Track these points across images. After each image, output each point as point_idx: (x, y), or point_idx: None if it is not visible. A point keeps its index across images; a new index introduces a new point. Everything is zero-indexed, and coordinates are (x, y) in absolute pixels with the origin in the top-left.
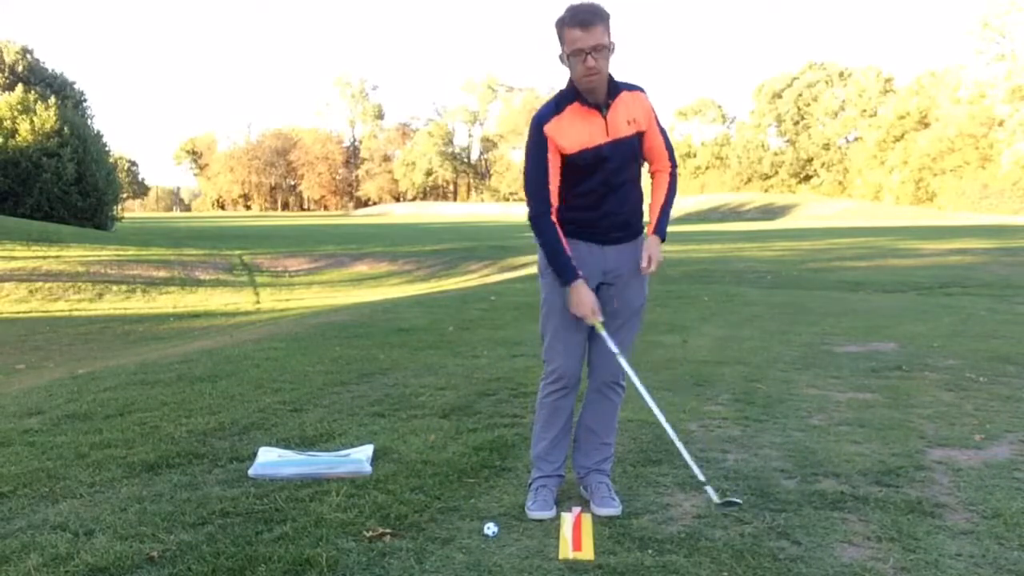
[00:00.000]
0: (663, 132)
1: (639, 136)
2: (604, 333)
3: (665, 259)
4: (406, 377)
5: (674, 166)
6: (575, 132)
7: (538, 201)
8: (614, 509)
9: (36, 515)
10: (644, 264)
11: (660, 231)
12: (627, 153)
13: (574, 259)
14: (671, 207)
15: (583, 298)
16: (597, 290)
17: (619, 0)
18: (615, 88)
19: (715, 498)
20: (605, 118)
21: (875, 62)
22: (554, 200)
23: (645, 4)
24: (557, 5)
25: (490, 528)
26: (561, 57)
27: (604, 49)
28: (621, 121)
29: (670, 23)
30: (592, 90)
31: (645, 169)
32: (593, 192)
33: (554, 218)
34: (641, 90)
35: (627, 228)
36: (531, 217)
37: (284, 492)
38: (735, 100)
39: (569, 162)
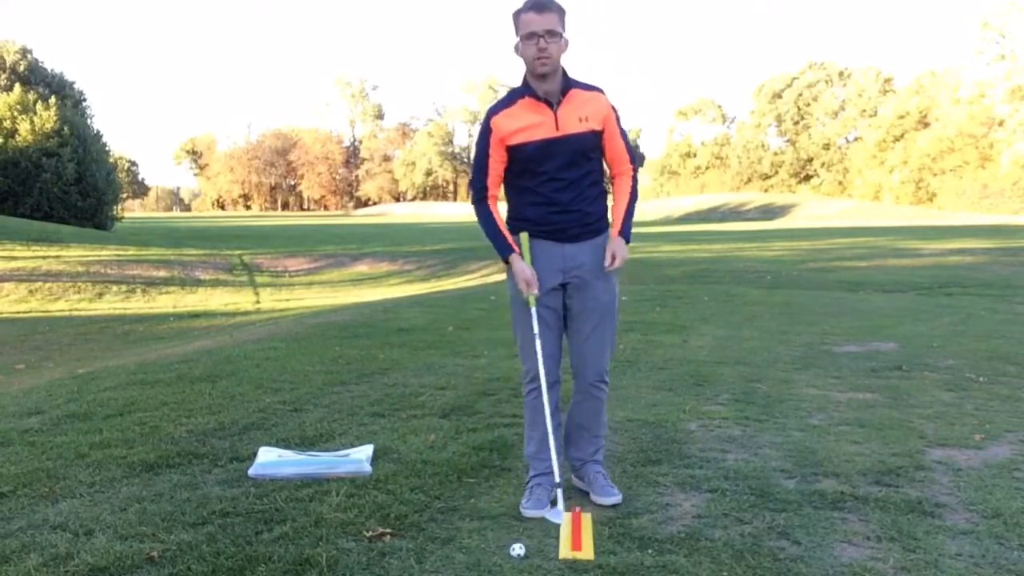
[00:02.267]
0: (623, 134)
1: (593, 135)
2: (534, 310)
3: (659, 258)
4: (406, 377)
5: (635, 168)
6: (521, 124)
7: (476, 188)
8: (615, 497)
9: (36, 515)
10: (608, 262)
11: (624, 233)
12: (576, 149)
13: (535, 263)
14: (634, 208)
15: (517, 269)
16: (564, 288)
17: (620, 0)
18: (568, 84)
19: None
20: (555, 113)
21: (875, 62)
22: (492, 188)
23: (646, 4)
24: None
25: (516, 549)
26: (516, 47)
27: (557, 36)
28: (572, 118)
29: (670, 23)
30: (543, 77)
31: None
32: (544, 185)
33: (491, 204)
34: (599, 91)
35: (585, 226)
36: (472, 200)
37: (284, 492)
38: (735, 100)
39: (515, 155)
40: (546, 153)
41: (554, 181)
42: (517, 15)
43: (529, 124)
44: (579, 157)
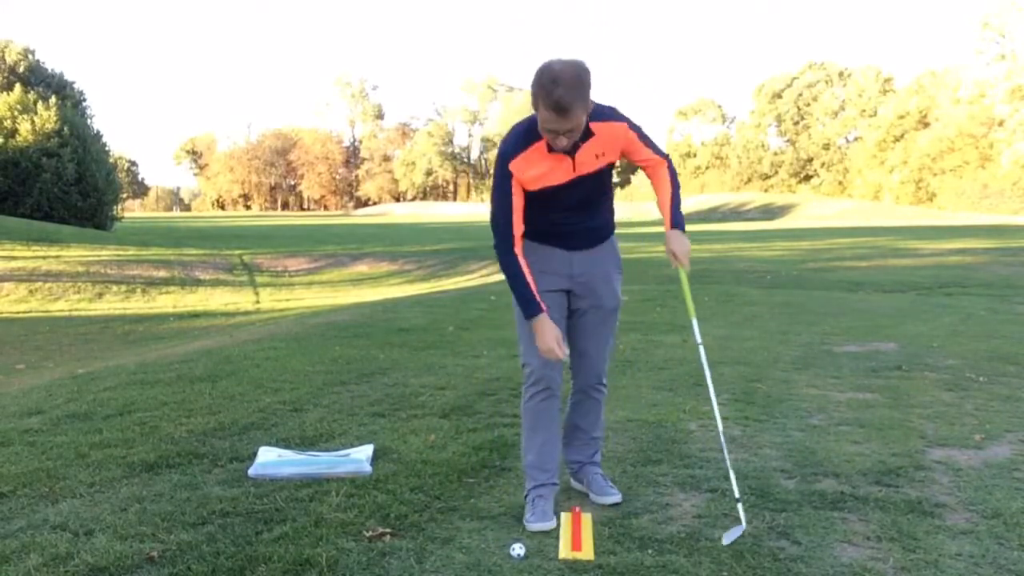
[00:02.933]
0: (647, 141)
1: (609, 167)
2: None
3: (659, 259)
4: (406, 377)
5: (667, 157)
6: (538, 171)
7: (501, 235)
8: (615, 497)
9: (36, 515)
10: (674, 263)
11: (678, 223)
12: (594, 184)
13: (541, 264)
14: (679, 195)
15: (546, 333)
16: (568, 293)
17: (620, 0)
18: (586, 132)
19: (742, 523)
20: (573, 159)
21: (875, 62)
22: (517, 232)
23: (646, 3)
24: (557, 5)
25: (516, 550)
26: (535, 106)
27: (579, 128)
28: (589, 157)
29: (670, 23)
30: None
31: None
32: (558, 215)
33: (517, 250)
34: (617, 119)
35: (594, 237)
36: (496, 247)
37: (284, 492)
38: (735, 100)
39: (532, 195)
40: (563, 193)
41: (568, 210)
42: (536, 98)
43: (546, 171)
44: (594, 190)
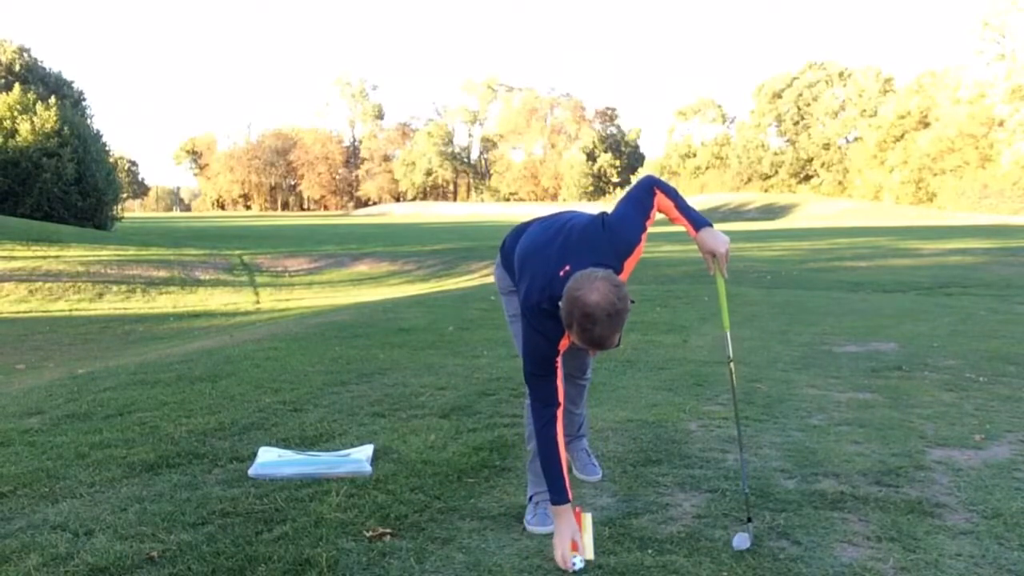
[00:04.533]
0: (633, 209)
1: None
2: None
3: (659, 258)
4: (406, 377)
5: (653, 183)
6: (570, 343)
7: (546, 402)
8: (596, 475)
9: (36, 515)
10: (711, 267)
11: (703, 222)
12: None
13: None
14: (684, 199)
15: (564, 533)
16: None
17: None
18: None
19: (748, 539)
20: None
21: (875, 62)
22: (560, 398)
23: (646, 3)
24: (557, 6)
25: (575, 563)
26: (567, 327)
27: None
28: None
29: (670, 23)
30: None
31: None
32: None
33: (559, 426)
34: (632, 246)
35: None
36: (536, 417)
37: (284, 492)
38: (735, 100)
39: None
40: None
41: None
42: (568, 328)
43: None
44: None
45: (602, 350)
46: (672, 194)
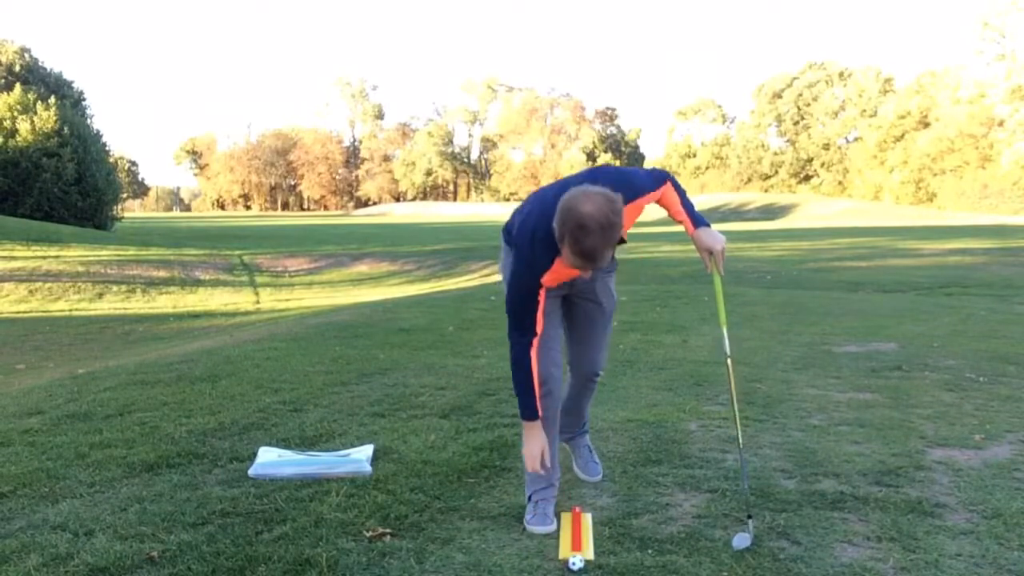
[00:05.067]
0: (650, 189)
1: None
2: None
3: (659, 258)
4: (406, 377)
5: (668, 176)
6: (563, 276)
7: (522, 330)
8: (596, 475)
9: (36, 515)
10: (708, 265)
11: (702, 221)
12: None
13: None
14: (690, 200)
15: (535, 441)
16: (565, 299)
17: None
18: None
19: (748, 539)
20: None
21: (875, 62)
22: (539, 329)
23: (646, 3)
24: (557, 6)
25: (575, 563)
26: (559, 240)
27: (607, 262)
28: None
29: (670, 23)
30: None
31: None
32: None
33: (535, 346)
34: (631, 199)
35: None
36: (512, 342)
37: (284, 492)
38: (735, 100)
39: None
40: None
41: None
42: (561, 239)
43: (568, 275)
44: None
45: (593, 266)
46: (680, 191)
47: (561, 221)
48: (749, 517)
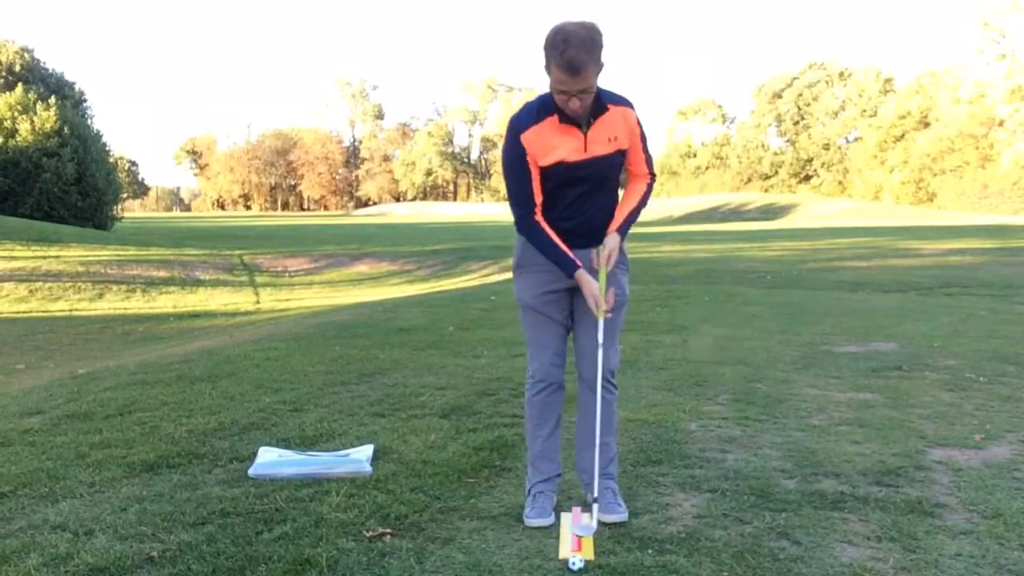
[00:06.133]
0: (645, 147)
1: (620, 154)
2: (601, 323)
3: (659, 258)
4: (406, 377)
5: (653, 177)
6: (551, 145)
7: (521, 204)
8: (621, 515)
9: (36, 515)
10: (603, 259)
11: (622, 231)
12: (604, 170)
13: (546, 263)
14: (639, 213)
15: (586, 286)
16: (572, 292)
17: (620, 0)
18: (600, 106)
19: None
20: (585, 135)
21: (875, 62)
22: (537, 199)
23: (646, 3)
24: (557, 6)
25: (575, 563)
26: (547, 68)
27: (591, 89)
28: (602, 139)
29: (670, 23)
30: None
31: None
32: (568, 206)
33: (539, 216)
34: (629, 105)
35: (600, 234)
36: (516, 221)
37: (284, 492)
38: (735, 100)
39: (542, 173)
40: (573, 176)
41: (577, 200)
42: (549, 59)
43: (559, 145)
44: (605, 179)
45: (577, 82)
46: (643, 202)
47: (548, 41)
48: (595, 501)
